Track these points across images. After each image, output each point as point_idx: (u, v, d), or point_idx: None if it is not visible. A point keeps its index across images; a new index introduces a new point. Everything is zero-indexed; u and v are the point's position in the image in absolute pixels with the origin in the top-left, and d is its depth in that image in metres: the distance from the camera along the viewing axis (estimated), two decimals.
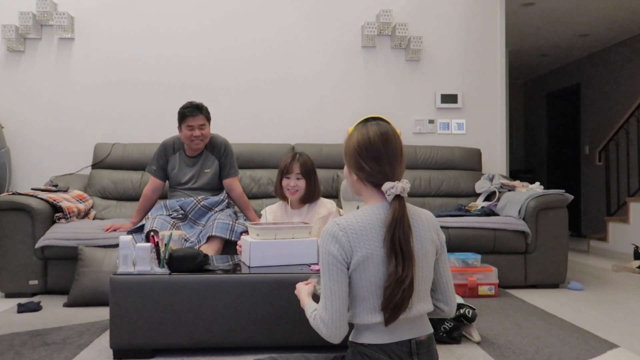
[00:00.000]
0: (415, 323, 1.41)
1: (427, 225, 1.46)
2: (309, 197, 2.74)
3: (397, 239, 1.35)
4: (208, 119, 3.20)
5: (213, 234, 2.92)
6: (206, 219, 3.14)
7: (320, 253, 1.42)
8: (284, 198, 2.76)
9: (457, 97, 4.57)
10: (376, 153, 1.43)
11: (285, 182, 2.71)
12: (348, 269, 1.38)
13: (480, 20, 4.63)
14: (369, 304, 1.37)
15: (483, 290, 3.18)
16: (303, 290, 1.65)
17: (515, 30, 6.04)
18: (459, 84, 4.60)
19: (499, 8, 4.65)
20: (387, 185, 1.39)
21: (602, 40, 6.57)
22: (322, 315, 1.39)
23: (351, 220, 1.40)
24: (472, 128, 4.61)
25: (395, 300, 1.33)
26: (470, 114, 4.61)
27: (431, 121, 4.56)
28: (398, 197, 1.39)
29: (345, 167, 1.54)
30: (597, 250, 5.49)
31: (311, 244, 2.31)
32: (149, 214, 3.16)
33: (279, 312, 2.09)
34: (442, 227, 3.36)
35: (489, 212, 3.71)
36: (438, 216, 3.65)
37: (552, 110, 8.15)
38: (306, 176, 2.70)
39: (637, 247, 4.56)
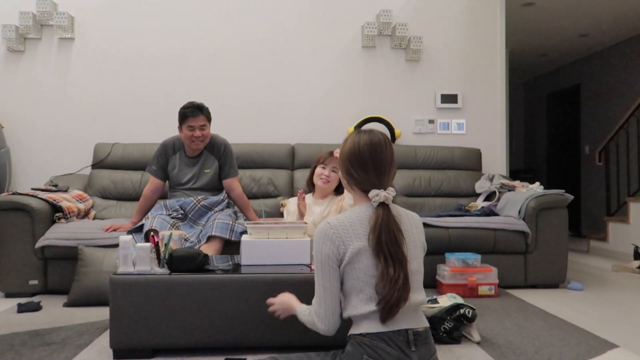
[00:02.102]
0: (410, 314, 1.48)
1: (415, 224, 1.59)
2: (337, 191, 2.95)
3: (384, 243, 1.44)
4: (209, 119, 3.20)
5: (213, 233, 2.92)
6: (206, 219, 3.14)
7: (314, 251, 1.52)
8: (312, 187, 2.98)
9: (457, 97, 4.57)
10: (364, 162, 1.54)
11: (319, 170, 2.91)
12: (340, 265, 1.49)
13: (480, 20, 4.63)
14: (365, 294, 1.46)
15: (483, 290, 3.18)
16: (290, 298, 1.75)
17: (515, 30, 6.04)
18: (459, 84, 4.60)
19: (499, 8, 4.65)
20: (372, 193, 1.51)
21: (602, 40, 6.57)
22: (317, 310, 1.50)
23: (341, 218, 1.52)
24: (472, 128, 4.61)
25: (392, 299, 1.41)
26: (470, 114, 4.61)
27: (431, 121, 4.56)
28: (383, 204, 1.50)
29: (340, 172, 1.66)
30: (597, 250, 5.48)
31: (304, 244, 2.31)
32: (149, 213, 3.16)
33: None
34: (442, 227, 3.41)
35: (489, 212, 3.71)
36: (438, 216, 3.65)
37: (552, 110, 8.15)
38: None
39: (637, 247, 4.56)
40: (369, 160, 1.54)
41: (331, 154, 2.91)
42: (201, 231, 3.05)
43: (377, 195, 1.49)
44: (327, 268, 1.48)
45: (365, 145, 1.55)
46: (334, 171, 2.87)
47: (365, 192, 1.54)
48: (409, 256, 1.48)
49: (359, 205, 1.56)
